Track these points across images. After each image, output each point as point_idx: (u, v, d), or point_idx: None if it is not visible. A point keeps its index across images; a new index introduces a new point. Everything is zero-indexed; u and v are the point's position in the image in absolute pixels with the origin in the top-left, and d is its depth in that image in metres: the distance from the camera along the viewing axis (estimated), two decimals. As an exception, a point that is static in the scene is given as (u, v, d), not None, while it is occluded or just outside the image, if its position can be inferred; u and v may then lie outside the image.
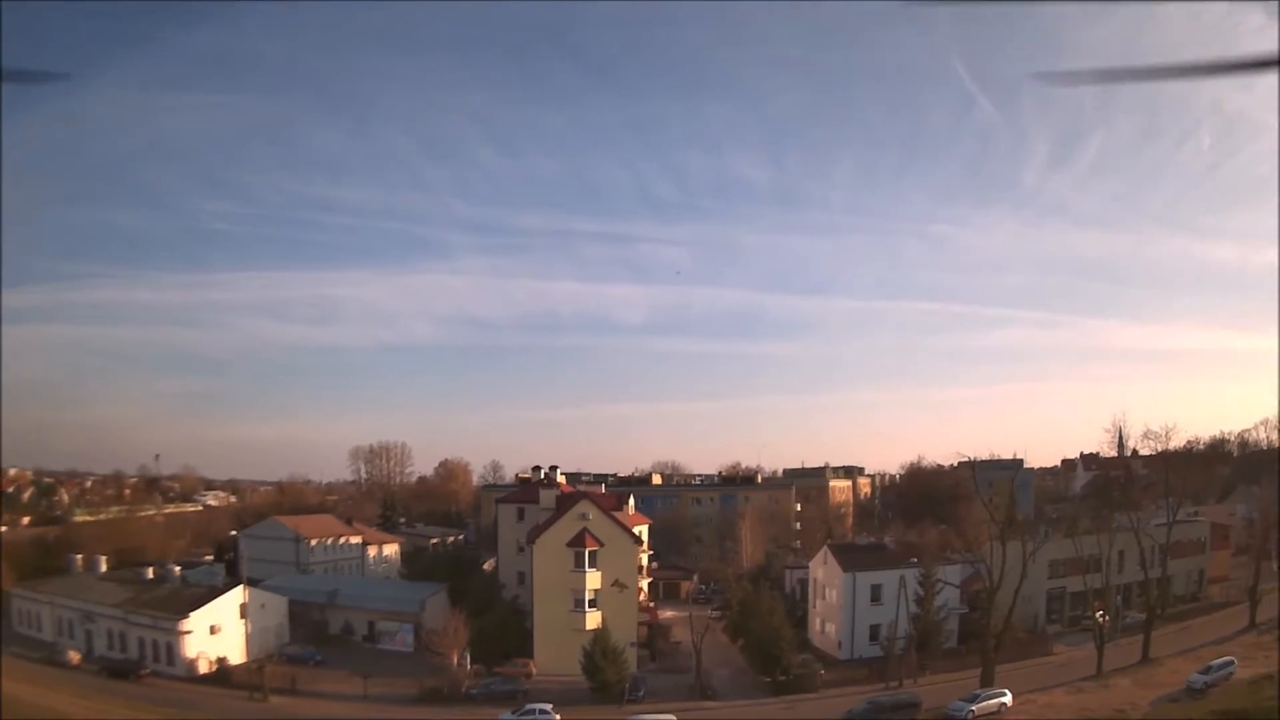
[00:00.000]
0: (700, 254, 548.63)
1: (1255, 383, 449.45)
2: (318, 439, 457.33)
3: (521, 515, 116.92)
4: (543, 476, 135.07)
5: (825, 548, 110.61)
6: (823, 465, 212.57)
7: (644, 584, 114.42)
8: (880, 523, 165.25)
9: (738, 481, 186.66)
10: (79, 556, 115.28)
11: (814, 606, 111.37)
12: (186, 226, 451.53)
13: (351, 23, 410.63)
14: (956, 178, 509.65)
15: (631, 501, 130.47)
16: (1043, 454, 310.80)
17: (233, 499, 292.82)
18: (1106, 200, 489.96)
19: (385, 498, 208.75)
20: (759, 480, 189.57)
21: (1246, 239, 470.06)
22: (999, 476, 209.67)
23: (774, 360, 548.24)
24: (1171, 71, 10.90)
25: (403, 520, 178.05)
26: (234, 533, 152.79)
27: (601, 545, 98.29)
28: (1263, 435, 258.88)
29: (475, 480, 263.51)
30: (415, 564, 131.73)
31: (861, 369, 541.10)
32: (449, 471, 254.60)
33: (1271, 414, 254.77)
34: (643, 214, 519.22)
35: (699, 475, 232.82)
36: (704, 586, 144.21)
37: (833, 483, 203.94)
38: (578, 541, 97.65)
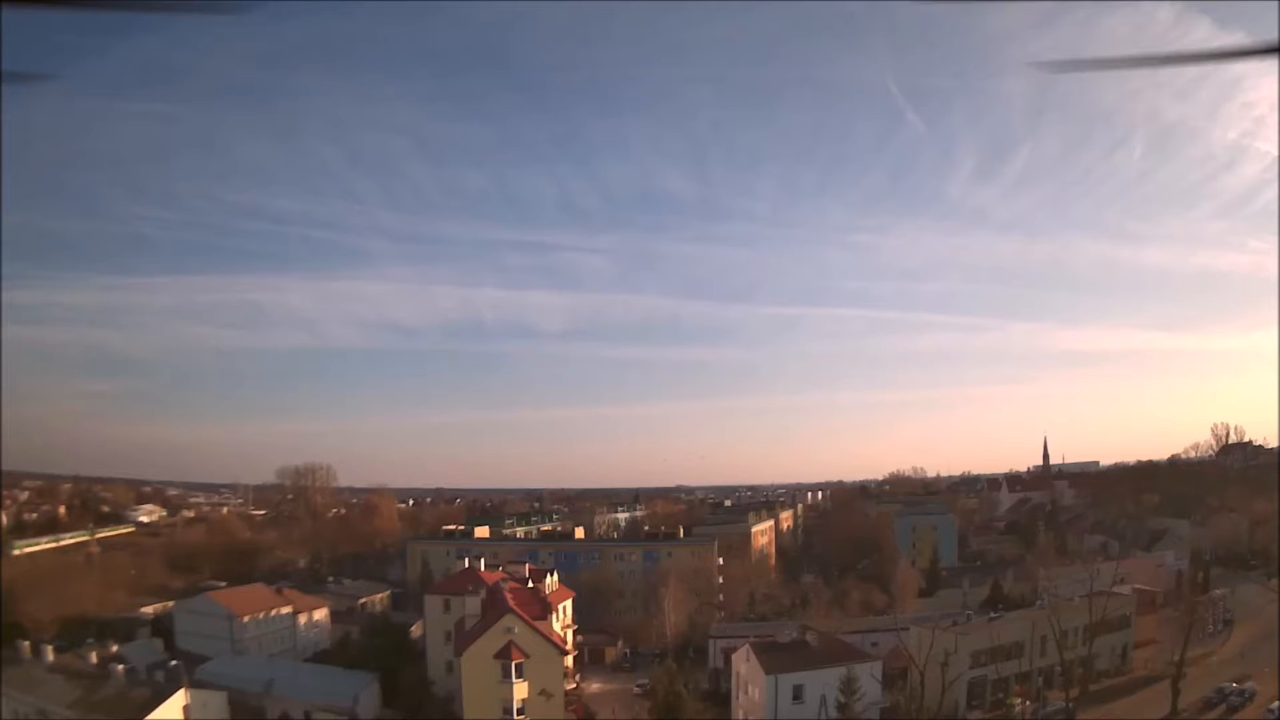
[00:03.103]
0: (621, 262, 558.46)
1: (1182, 382, 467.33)
2: (242, 441, 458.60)
3: (448, 606, 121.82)
4: (463, 526, 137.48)
5: (748, 645, 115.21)
6: (744, 485, 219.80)
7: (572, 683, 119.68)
8: (804, 588, 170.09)
9: (660, 538, 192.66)
10: (25, 643, 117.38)
11: (737, 699, 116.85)
12: (115, 231, 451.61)
13: (285, 37, 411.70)
14: (881, 189, 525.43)
15: (555, 576, 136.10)
16: (967, 460, 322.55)
17: (163, 513, 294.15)
18: (1033, 209, 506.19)
19: (312, 547, 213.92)
20: (680, 535, 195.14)
21: (1175, 243, 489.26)
22: (922, 523, 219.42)
23: (694, 366, 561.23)
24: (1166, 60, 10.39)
25: (330, 579, 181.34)
26: (170, 604, 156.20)
27: (528, 656, 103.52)
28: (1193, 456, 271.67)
29: (398, 503, 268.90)
30: (345, 648, 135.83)
31: (783, 374, 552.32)
32: (371, 507, 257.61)
33: (1201, 437, 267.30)
34: (565, 224, 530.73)
35: (620, 506, 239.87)
36: (628, 652, 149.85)
37: (754, 528, 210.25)
38: (504, 654, 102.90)
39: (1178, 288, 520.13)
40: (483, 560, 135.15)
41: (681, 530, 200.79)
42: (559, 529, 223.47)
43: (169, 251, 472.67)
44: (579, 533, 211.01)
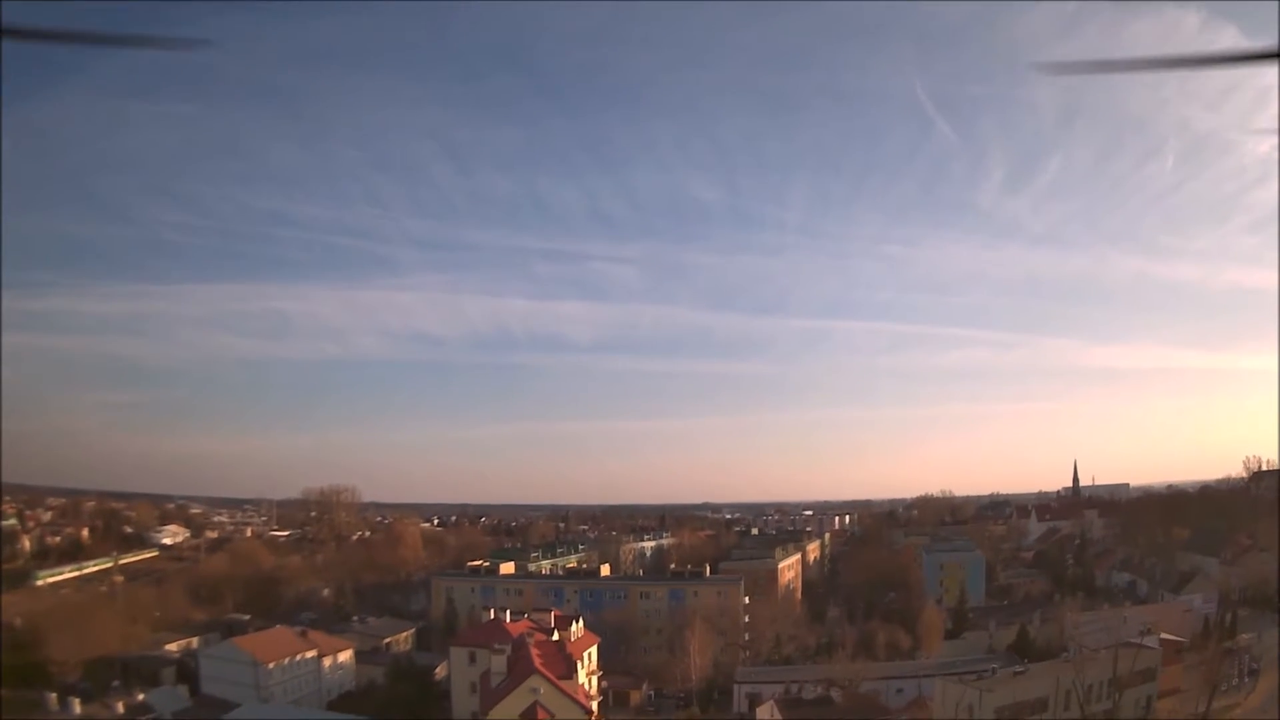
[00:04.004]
0: (650, 272, 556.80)
1: (1215, 401, 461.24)
2: (267, 454, 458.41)
3: (473, 659, 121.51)
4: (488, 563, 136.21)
5: (773, 702, 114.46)
6: (771, 504, 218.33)
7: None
8: (829, 626, 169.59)
9: (686, 575, 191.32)
10: (53, 695, 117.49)
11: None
12: (138, 237, 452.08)
13: (311, 39, 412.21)
14: (911, 199, 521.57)
15: (580, 623, 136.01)
16: (996, 480, 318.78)
17: (186, 534, 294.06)
18: (1064, 221, 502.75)
19: (336, 576, 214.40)
20: (706, 573, 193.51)
21: (1209, 258, 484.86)
22: (949, 560, 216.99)
23: (723, 379, 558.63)
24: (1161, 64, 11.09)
25: (355, 617, 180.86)
26: (194, 641, 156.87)
27: (553, 717, 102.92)
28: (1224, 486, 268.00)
29: (423, 521, 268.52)
30: (370, 693, 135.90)
31: (813, 388, 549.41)
32: (395, 535, 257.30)
33: (1234, 469, 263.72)
34: (593, 232, 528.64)
35: (647, 534, 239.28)
36: (652, 695, 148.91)
37: (781, 564, 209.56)
38: (530, 714, 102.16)
39: (1210, 305, 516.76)
40: (508, 612, 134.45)
41: (708, 568, 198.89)
42: (584, 564, 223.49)
43: (194, 258, 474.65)
44: (605, 569, 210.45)
